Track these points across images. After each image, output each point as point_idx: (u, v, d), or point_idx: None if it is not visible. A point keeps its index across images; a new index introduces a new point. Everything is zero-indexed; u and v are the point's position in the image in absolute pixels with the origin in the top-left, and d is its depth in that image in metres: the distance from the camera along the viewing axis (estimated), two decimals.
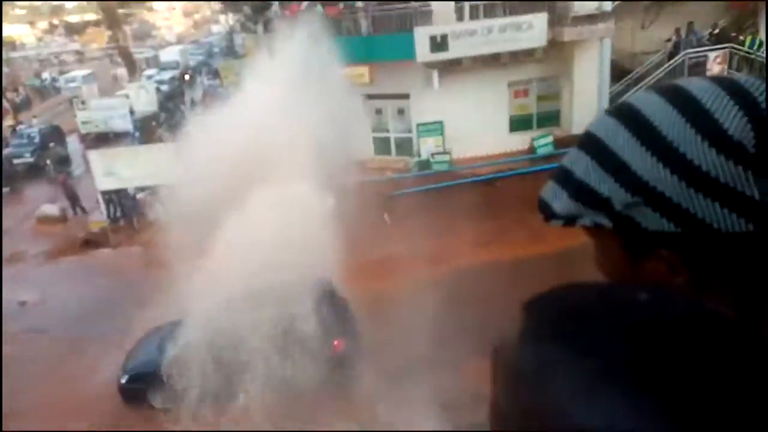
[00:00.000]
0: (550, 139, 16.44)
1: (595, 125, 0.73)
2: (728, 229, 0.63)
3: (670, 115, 0.66)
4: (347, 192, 10.47)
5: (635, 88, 16.49)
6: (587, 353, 0.45)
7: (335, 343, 9.14)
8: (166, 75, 36.09)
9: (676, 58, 16.26)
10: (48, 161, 22.53)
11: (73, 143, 25.74)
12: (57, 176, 20.87)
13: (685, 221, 0.65)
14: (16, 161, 23.26)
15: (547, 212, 0.76)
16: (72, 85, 35.94)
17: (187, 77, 36.99)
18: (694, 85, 0.68)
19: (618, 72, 17.40)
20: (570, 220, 0.73)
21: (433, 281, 10.32)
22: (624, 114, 0.70)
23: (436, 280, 10.38)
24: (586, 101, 16.10)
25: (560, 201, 0.74)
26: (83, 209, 18.00)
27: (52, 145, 23.68)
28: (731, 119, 0.63)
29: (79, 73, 38.77)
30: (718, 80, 0.67)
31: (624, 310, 0.49)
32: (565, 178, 0.74)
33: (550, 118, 17.18)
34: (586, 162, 0.71)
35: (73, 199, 18.14)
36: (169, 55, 42.82)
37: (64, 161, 23.49)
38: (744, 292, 0.67)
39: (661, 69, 16.37)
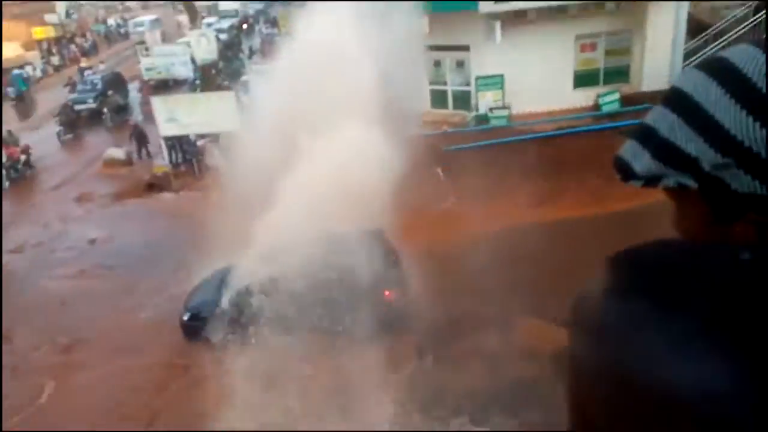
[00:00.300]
0: (616, 96, 15.72)
1: (683, 80, 0.69)
2: None
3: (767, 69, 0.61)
4: (403, 145, 10.42)
5: (714, 45, 15.48)
6: (683, 309, 0.43)
7: (386, 293, 9.30)
8: (225, 24, 36.20)
9: (761, 12, 15.07)
10: (105, 109, 23.25)
11: (134, 90, 26.44)
12: (114, 124, 21.74)
13: None
14: (78, 107, 23.79)
15: (627, 172, 0.72)
16: (140, 29, 36.72)
17: (245, 26, 37.05)
18: None
19: (695, 26, 16.33)
20: (652, 181, 0.69)
21: (485, 239, 10.25)
22: (716, 68, 0.65)
23: (489, 238, 10.30)
24: (658, 57, 15.25)
25: (641, 160, 0.70)
26: (149, 153, 18.63)
27: (110, 93, 24.35)
28: None
29: (147, 18, 39.46)
30: None
31: (725, 268, 0.47)
32: (648, 137, 0.70)
33: (618, 74, 16.37)
34: (672, 119, 0.68)
35: (142, 143, 18.77)
36: (228, 3, 42.92)
37: (122, 109, 24.25)
38: None
39: (744, 24, 15.24)
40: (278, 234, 9.90)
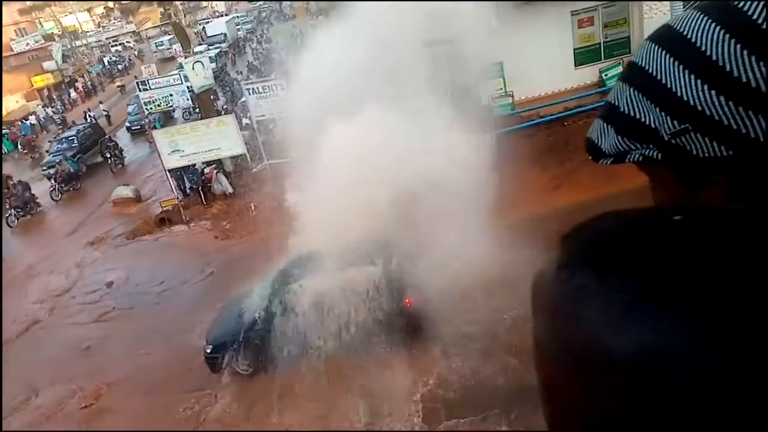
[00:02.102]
0: (620, 69, 15.28)
1: (637, 53, 0.70)
2: None
3: (713, 33, 0.61)
4: None
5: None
6: (621, 277, 0.44)
7: (406, 300, 9.06)
8: (213, 52, 35.55)
9: None
10: (84, 168, 22.45)
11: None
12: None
13: (738, 143, 0.61)
14: (53, 170, 21.67)
15: (596, 152, 0.74)
16: (162, 47, 37.23)
17: (230, 54, 36.70)
18: None
19: None
20: (619, 158, 0.71)
21: (503, 229, 9.92)
22: (664, 38, 0.67)
23: (507, 228, 9.97)
24: (657, 24, 14.60)
25: (607, 138, 0.71)
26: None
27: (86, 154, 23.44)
28: None
29: (166, 37, 40.13)
30: None
31: (658, 232, 0.46)
32: (611, 114, 0.71)
33: (619, 47, 15.90)
34: (629, 93, 0.69)
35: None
36: (215, 28, 42.36)
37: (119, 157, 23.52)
38: None
39: None
40: (296, 252, 9.79)
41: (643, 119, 0.66)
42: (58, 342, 12.20)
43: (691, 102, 0.62)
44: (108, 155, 22.94)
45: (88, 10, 73.15)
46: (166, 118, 25.37)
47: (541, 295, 0.50)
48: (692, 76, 0.62)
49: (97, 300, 13.57)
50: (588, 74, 15.77)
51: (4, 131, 30.11)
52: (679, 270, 0.42)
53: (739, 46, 0.59)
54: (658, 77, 0.65)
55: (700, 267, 0.42)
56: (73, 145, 23.58)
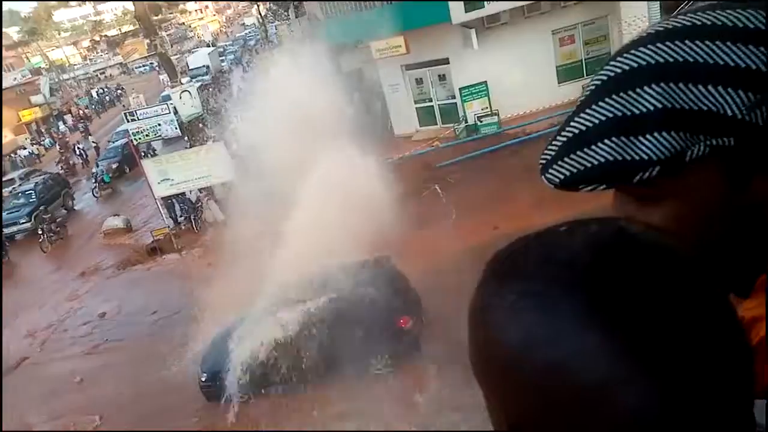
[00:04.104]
0: None
1: (647, 56, 0.66)
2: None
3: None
4: (397, 167, 10.30)
5: None
6: (511, 283, 0.48)
7: (401, 320, 9.03)
8: (197, 84, 34.95)
9: None
10: (42, 228, 19.15)
11: None
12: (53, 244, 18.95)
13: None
14: (9, 230, 20.13)
15: (625, 171, 0.69)
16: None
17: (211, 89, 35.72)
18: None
19: (670, 4, 16.21)
20: (672, 163, 0.66)
21: (494, 248, 9.97)
22: (681, 34, 0.65)
23: (498, 246, 10.02)
24: None
25: (643, 145, 0.66)
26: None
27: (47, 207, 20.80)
28: None
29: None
30: None
31: (542, 243, 0.50)
32: (633, 123, 0.67)
33: (600, 63, 16.04)
34: (663, 88, 0.65)
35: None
36: (197, 60, 39.98)
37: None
38: None
39: None
40: (286, 277, 9.78)
41: (698, 107, 0.62)
42: (50, 377, 12.02)
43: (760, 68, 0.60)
44: (42, 229, 19.10)
45: (74, 43, 73.60)
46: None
47: (472, 312, 0.53)
48: (748, 45, 0.61)
49: (90, 332, 13.44)
50: (571, 90, 16.02)
51: None
52: (557, 273, 0.46)
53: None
54: (704, 59, 0.62)
55: (573, 269, 0.46)
56: (31, 200, 21.06)
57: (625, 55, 0.66)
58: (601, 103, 0.66)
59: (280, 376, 8.98)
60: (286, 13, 24.29)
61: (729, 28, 0.62)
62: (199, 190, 16.65)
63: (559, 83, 16.27)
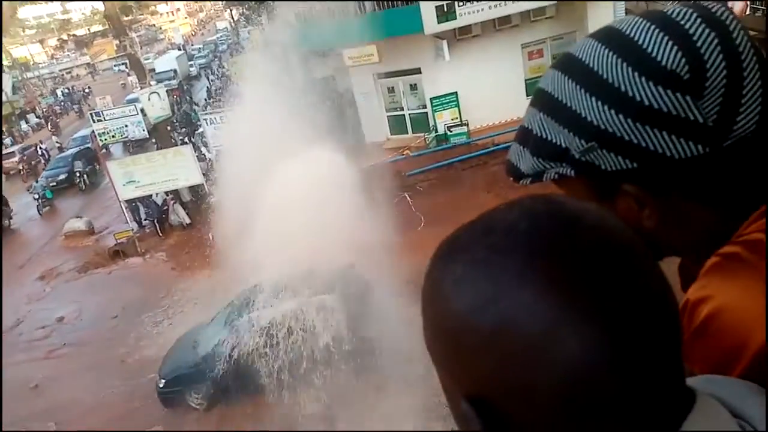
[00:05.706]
0: None
1: (543, 80, 0.76)
2: (681, 155, 0.67)
3: (606, 58, 0.68)
4: (367, 174, 10.32)
5: None
6: (457, 260, 0.51)
7: (364, 332, 8.98)
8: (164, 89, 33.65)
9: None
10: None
11: None
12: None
13: (640, 156, 0.68)
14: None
15: (515, 173, 0.79)
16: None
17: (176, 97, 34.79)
18: (626, 23, 0.70)
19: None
20: (537, 176, 0.76)
21: None
22: (565, 64, 0.73)
23: None
24: None
25: (524, 160, 0.77)
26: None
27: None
28: (662, 50, 0.66)
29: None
30: (648, 15, 0.70)
31: (483, 220, 0.54)
32: (525, 137, 0.77)
33: None
34: (540, 117, 0.74)
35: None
36: (164, 63, 39.07)
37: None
38: (712, 211, 0.72)
39: None
40: (249, 283, 9.67)
41: (554, 140, 0.72)
42: (4, 382, 11.60)
43: (595, 122, 0.68)
44: None
45: (41, 41, 71.87)
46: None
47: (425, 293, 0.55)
48: (594, 98, 0.68)
49: (47, 336, 13.04)
50: None
51: None
52: (497, 241, 0.49)
53: (630, 69, 0.66)
54: (564, 101, 0.71)
55: (511, 235, 0.49)
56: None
57: (546, 72, 0.77)
58: (528, 108, 0.79)
59: (241, 382, 8.83)
60: (259, 18, 24.19)
61: (592, 72, 0.69)
62: (166, 193, 16.37)
63: (527, 96, 16.42)
